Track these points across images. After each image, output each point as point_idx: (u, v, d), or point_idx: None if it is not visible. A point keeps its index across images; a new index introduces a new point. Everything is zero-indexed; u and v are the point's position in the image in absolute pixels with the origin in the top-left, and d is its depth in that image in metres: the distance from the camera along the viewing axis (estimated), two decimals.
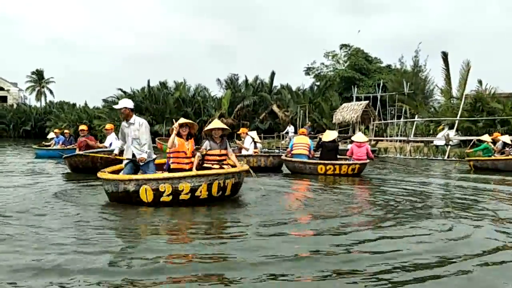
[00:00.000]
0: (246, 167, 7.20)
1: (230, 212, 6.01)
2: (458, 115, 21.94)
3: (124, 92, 41.07)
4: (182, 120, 7.18)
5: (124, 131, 7.05)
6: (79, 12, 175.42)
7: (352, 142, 13.07)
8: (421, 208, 6.40)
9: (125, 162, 7.05)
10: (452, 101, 27.84)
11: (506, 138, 14.42)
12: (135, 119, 6.98)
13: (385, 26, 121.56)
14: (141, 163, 6.83)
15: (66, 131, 20.59)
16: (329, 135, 12.49)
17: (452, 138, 20.09)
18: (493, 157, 13.80)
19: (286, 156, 12.70)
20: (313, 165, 11.69)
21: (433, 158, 19.57)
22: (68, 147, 17.99)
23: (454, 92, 28.80)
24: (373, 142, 23.73)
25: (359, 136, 12.72)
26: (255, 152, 13.37)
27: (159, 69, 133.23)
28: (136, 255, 3.88)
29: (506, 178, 11.07)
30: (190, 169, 6.80)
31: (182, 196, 6.14)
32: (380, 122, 30.09)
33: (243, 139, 13.67)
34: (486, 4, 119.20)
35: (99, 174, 6.73)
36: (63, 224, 5.08)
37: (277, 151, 23.86)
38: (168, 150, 7.07)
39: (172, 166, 6.96)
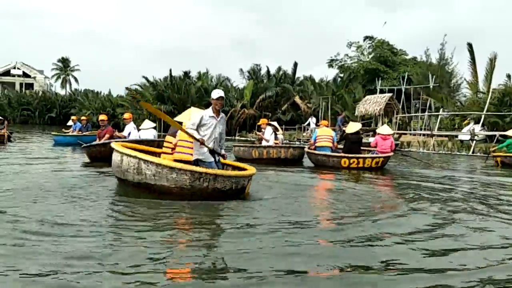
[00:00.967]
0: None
1: (252, 206, 5.95)
2: (485, 110, 21.48)
3: (148, 80, 41.41)
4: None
5: (208, 123, 6.31)
6: (106, 4, 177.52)
7: (376, 134, 12.92)
8: (451, 205, 6.26)
9: (206, 156, 6.38)
10: (478, 95, 27.24)
11: None
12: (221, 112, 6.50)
13: (411, 21, 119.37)
14: (222, 159, 6.63)
15: (83, 117, 21.19)
16: (353, 127, 12.37)
17: (477, 133, 19.69)
18: None
19: (309, 148, 12.63)
20: (337, 158, 11.60)
21: (457, 153, 19.23)
22: (84, 133, 18.34)
23: (481, 86, 28.19)
24: (396, 136, 23.42)
25: (384, 129, 12.59)
26: (275, 143, 13.33)
27: (183, 61, 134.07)
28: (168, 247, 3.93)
29: None
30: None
31: None
32: (403, 115, 29.66)
33: (263, 130, 13.64)
34: None
35: (215, 171, 5.96)
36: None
37: (297, 143, 23.81)
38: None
39: (177, 156, 6.75)
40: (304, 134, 30.33)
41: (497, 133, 17.51)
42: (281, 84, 40.90)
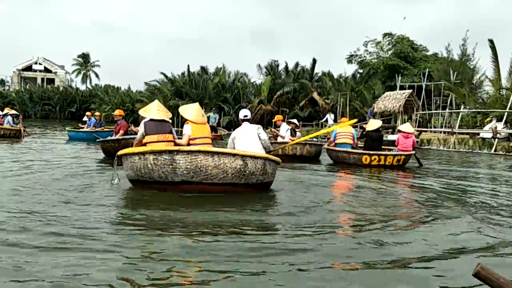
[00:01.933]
0: None
1: (268, 205, 5.95)
2: (508, 107, 21.06)
3: (166, 76, 41.61)
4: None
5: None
6: None
7: (398, 132, 12.78)
8: (478, 213, 5.95)
9: None
10: (501, 92, 26.70)
11: None
12: None
13: (431, 15, 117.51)
14: None
15: (97, 113, 21.64)
16: (373, 124, 12.25)
17: (500, 130, 19.31)
18: None
19: (329, 145, 12.54)
20: (358, 155, 11.49)
21: (479, 151, 18.90)
22: (97, 129, 18.61)
23: (504, 82, 27.60)
24: (416, 133, 23.13)
25: (407, 127, 12.45)
26: (291, 140, 13.25)
27: (200, 55, 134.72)
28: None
29: None
30: None
31: None
32: (424, 112, 29.25)
33: (279, 128, 13.59)
34: None
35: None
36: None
37: (315, 139, 23.59)
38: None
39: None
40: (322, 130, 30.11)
41: None
42: (299, 80, 40.69)
